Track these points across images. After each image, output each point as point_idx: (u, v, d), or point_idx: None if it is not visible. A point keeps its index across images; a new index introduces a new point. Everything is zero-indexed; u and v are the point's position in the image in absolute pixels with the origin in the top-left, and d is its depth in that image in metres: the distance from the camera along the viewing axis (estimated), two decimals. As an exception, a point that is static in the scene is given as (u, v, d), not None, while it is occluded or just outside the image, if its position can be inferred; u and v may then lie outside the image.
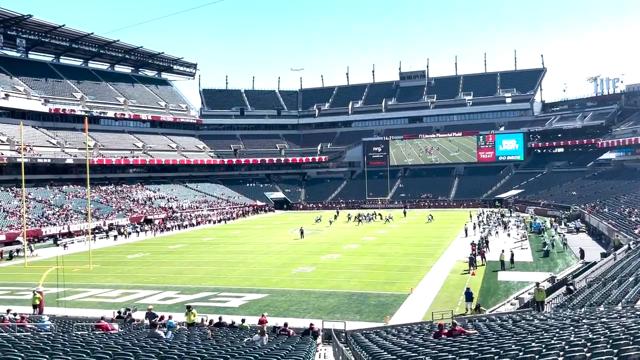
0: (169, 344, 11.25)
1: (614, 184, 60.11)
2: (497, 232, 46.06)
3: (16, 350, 8.74)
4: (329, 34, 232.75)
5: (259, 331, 14.14)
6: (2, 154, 57.99)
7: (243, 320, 17.27)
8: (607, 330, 9.64)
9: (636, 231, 35.30)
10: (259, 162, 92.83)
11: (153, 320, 16.81)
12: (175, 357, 9.09)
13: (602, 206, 49.26)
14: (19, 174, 45.67)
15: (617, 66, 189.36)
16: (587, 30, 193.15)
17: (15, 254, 40.32)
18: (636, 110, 76.19)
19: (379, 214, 64.91)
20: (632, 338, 8.04)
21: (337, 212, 69.38)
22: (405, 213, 65.80)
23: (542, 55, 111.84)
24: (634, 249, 28.96)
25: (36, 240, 47.53)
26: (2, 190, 57.00)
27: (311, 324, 17.22)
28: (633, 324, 9.96)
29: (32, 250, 41.21)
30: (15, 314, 17.57)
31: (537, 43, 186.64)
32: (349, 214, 66.22)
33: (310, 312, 21.25)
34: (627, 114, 77.03)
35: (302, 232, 48.37)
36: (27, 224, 44.30)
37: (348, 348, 13.91)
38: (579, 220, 49.13)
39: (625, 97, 79.74)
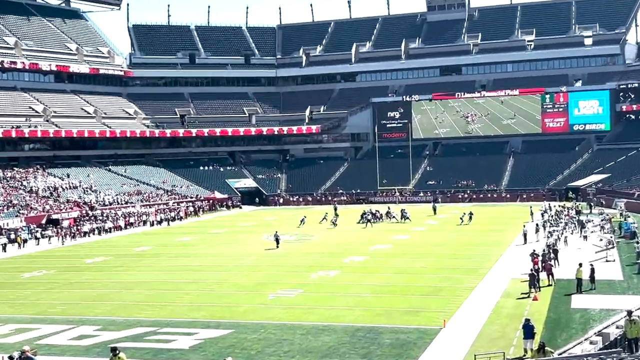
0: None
1: None
2: (569, 237, 46.48)
3: None
4: None
5: None
6: None
7: None
8: None
9: None
10: (218, 134, 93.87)
11: None
12: None
13: None
14: None
15: None
16: None
17: None
18: None
19: (389, 212, 66.05)
20: None
21: (336, 209, 70.12)
22: (435, 209, 67.00)
23: None
24: None
25: None
26: None
27: None
28: None
29: None
30: None
31: None
32: (364, 213, 66.62)
33: (296, 356, 20.96)
34: None
35: (277, 240, 48.86)
36: None
37: None
38: None
39: None
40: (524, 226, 50.34)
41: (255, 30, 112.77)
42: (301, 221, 64.85)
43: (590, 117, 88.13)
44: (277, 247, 48.65)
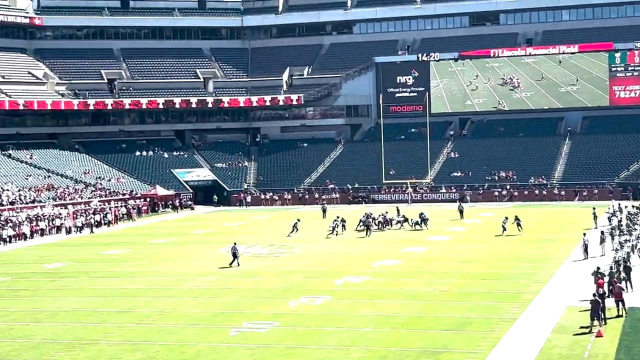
0: None
1: None
2: None
3: None
4: None
5: None
6: None
7: None
8: None
9: None
10: (160, 106, 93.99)
11: None
12: None
13: None
14: None
15: None
16: None
17: None
18: None
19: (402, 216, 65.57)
20: None
21: (325, 210, 71.14)
22: (462, 212, 67.89)
23: None
24: None
25: None
26: None
27: None
28: None
29: None
30: None
31: None
32: (364, 215, 66.13)
33: None
34: None
35: (234, 255, 48.93)
36: None
37: None
38: None
39: None
40: (585, 235, 48.98)
41: None
42: (293, 227, 63.88)
43: None
44: (232, 264, 47.99)
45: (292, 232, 62.64)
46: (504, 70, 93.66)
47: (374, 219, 65.61)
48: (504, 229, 58.19)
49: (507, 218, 60.06)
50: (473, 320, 30.80)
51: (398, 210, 69.72)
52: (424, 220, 65.11)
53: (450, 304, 34.52)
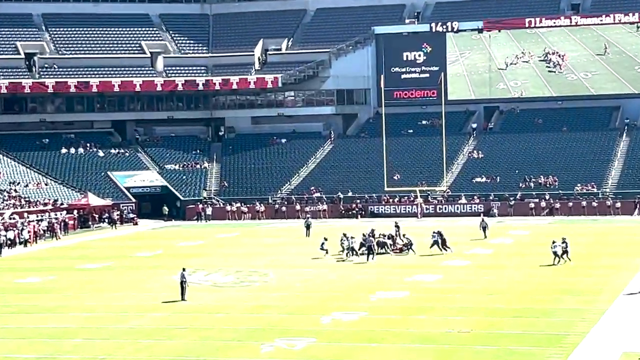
0: None
1: None
2: None
3: None
4: None
5: None
6: None
7: None
8: None
9: None
10: (94, 90, 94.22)
11: None
12: None
13: None
14: None
15: None
16: None
17: None
18: None
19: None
20: None
21: (309, 226, 71.79)
22: (485, 229, 68.06)
23: None
24: None
25: None
26: None
27: None
28: None
29: None
30: None
31: None
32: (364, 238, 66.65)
33: None
34: None
35: (182, 284, 47.21)
36: None
37: None
38: None
39: None
40: None
41: None
42: (322, 247, 63.58)
43: None
44: (184, 297, 46.30)
45: (324, 254, 61.51)
46: (549, 40, 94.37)
47: (365, 239, 62.92)
48: (557, 256, 54.89)
49: (554, 243, 56.50)
50: None
51: (398, 228, 68.61)
52: (443, 244, 62.57)
53: (473, 348, 31.25)
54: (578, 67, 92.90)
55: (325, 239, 62.39)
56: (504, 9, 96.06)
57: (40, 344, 35.32)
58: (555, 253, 54.87)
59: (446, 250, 61.57)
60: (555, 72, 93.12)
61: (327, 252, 62.24)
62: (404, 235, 66.14)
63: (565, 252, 55.27)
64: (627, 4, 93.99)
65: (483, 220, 70.33)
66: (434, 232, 64.67)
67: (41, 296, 48.88)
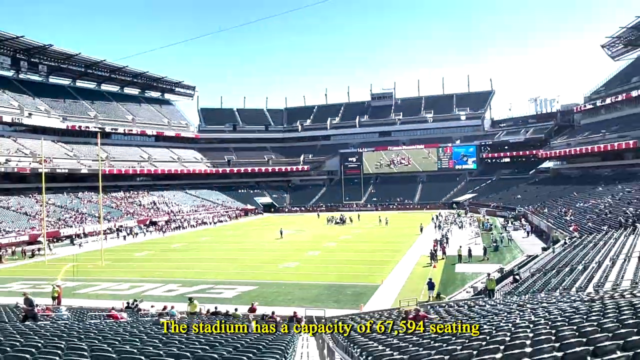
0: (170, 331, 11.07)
1: (552, 189, 65.81)
2: (453, 230, 48.11)
3: (36, 337, 8.94)
4: (310, 60, 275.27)
5: (250, 318, 15.44)
6: (26, 165, 63.29)
7: (236, 309, 18.03)
8: (546, 314, 10.00)
9: (571, 228, 38.12)
10: (249, 171, 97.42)
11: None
12: (176, 341, 9.14)
13: (542, 207, 53.15)
14: (40, 183, 48.26)
15: (554, 88, 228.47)
16: (528, 55, 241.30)
17: (37, 252, 41.98)
18: (570, 126, 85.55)
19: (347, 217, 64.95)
20: (567, 320, 8.50)
21: (318, 215, 73.75)
22: (386, 220, 60.23)
23: (490, 80, 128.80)
24: (569, 244, 30.99)
25: (55, 240, 49.61)
26: (25, 197, 61.95)
27: (294, 312, 18.13)
28: (568, 308, 10.46)
29: (51, 249, 43.09)
30: (39, 305, 17.16)
31: (487, 68, 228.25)
32: (332, 217, 63.91)
33: (295, 302, 21.35)
34: (562, 129, 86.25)
35: (281, 232, 47.97)
36: (47, 226, 46.40)
37: (327, 333, 13.64)
38: (523, 219, 52.65)
39: (561, 114, 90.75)
40: (421, 225, 51.11)
41: (271, 111, 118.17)
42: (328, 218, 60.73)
43: (465, 161, 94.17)
44: (281, 236, 45.47)
45: (330, 222, 58.01)
46: (391, 155, 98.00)
47: (340, 218, 61.79)
48: (380, 222, 55.46)
49: (380, 218, 58.82)
50: (381, 261, 32.44)
51: (341, 215, 65.38)
52: (342, 219, 60.42)
53: (372, 254, 35.88)
54: (399, 163, 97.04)
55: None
56: (381, 144, 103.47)
57: (230, 253, 37.97)
58: (380, 221, 54.11)
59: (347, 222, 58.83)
60: (398, 164, 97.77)
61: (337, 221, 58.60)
62: (344, 216, 63.02)
63: (387, 222, 55.15)
64: (420, 142, 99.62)
65: (380, 216, 64.60)
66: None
67: (231, 238, 49.15)
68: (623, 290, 14.14)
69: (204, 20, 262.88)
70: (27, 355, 6.96)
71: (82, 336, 9.57)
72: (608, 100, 73.65)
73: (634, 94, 67.80)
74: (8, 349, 7.43)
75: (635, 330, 6.88)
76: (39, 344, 8.10)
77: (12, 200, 60.90)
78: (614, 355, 5.55)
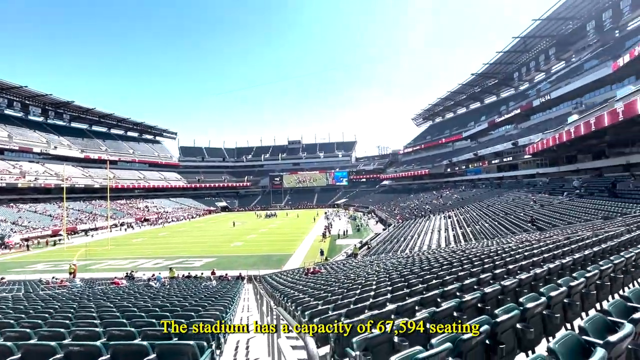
0: (157, 289, 10.46)
1: (388, 196, 67.69)
2: (336, 219, 47.77)
3: (55, 301, 8.16)
4: (253, 117, 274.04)
5: (211, 278, 14.68)
6: (51, 182, 56.67)
7: (202, 273, 17.10)
8: (385, 266, 10.16)
9: (397, 217, 38.87)
10: (212, 186, 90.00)
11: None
12: (161, 297, 8.31)
13: (382, 206, 53.93)
14: (61, 194, 44.82)
15: (389, 138, 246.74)
16: (378, 117, 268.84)
17: (58, 242, 37.81)
18: (396, 161, 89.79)
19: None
20: (394, 268, 8.93)
21: (256, 213, 67.87)
22: (298, 215, 59.64)
23: (355, 134, 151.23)
24: (396, 226, 31.80)
25: (73, 233, 44.76)
26: (50, 204, 54.87)
27: (240, 273, 17.34)
28: (395, 262, 10.96)
29: (69, 239, 38.99)
30: (57, 279, 16.11)
31: (353, 126, 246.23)
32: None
33: (240, 267, 20.12)
34: (392, 163, 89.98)
35: (234, 223, 45.31)
36: (66, 223, 42.22)
37: (260, 284, 13.02)
38: (373, 213, 52.08)
39: (392, 155, 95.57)
40: (315, 218, 51.95)
41: (227, 149, 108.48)
42: (269, 216, 56.15)
43: (341, 181, 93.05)
44: (234, 226, 41.04)
45: (269, 216, 53.27)
46: (300, 177, 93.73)
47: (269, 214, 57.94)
48: (287, 215, 54.67)
49: (287, 214, 57.24)
50: (294, 239, 30.73)
51: (275, 212, 62.63)
52: (270, 215, 57.04)
53: (288, 234, 33.57)
54: (305, 181, 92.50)
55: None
56: (294, 170, 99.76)
57: (199, 237, 34.08)
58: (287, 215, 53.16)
59: (273, 217, 55.23)
60: (304, 182, 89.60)
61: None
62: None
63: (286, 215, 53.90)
64: (316, 169, 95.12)
65: (296, 213, 60.97)
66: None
67: (200, 228, 43.80)
68: (423, 251, 15.30)
69: (192, 82, 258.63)
70: (46, 315, 6.25)
71: (91, 298, 8.87)
72: (415, 148, 79.75)
73: (425, 146, 75.87)
74: (31, 311, 6.78)
75: (427, 269, 8.04)
76: (57, 306, 7.45)
77: (39, 206, 52.48)
78: (418, 287, 6.16)
